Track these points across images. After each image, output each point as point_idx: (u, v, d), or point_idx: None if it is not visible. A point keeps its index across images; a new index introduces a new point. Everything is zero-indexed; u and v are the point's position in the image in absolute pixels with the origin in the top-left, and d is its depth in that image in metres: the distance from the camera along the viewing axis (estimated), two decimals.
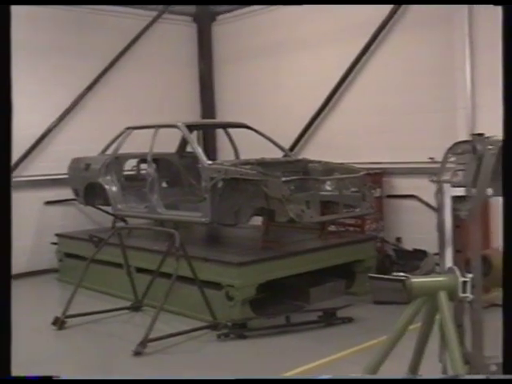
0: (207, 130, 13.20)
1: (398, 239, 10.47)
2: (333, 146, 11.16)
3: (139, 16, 12.82)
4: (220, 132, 11.95)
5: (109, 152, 10.47)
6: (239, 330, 7.40)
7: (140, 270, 9.00)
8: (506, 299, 2.43)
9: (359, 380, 3.46)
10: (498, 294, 8.71)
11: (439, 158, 4.60)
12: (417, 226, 9.92)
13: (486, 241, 8.57)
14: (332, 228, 9.73)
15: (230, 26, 13.44)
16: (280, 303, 8.51)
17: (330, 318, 7.73)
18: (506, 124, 2.39)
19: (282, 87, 12.39)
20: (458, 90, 9.45)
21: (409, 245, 10.14)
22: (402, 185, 10.49)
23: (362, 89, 11.09)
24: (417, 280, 4.06)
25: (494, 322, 7.90)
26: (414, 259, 9.40)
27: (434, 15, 9.88)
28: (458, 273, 4.00)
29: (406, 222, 10.35)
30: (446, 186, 4.17)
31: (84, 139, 11.71)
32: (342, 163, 9.36)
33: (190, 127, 9.79)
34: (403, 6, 10.32)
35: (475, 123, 9.07)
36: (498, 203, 8.75)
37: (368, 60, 10.95)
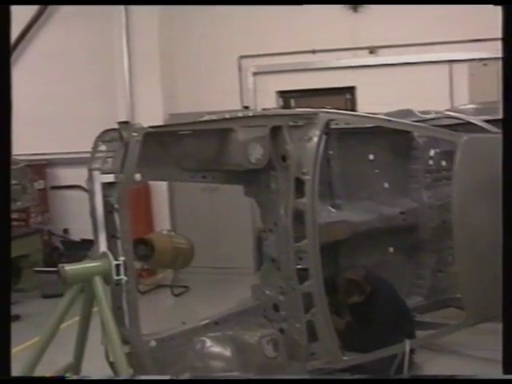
0: None
1: (66, 230, 10.39)
2: None
3: None
4: None
5: None
6: None
7: None
8: (505, 299, 2.49)
9: (359, 380, 3.43)
10: (164, 275, 9.12)
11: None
12: (83, 216, 9.79)
13: (150, 225, 8.94)
14: None
15: None
16: None
17: None
18: (505, 124, 2.48)
19: None
20: (117, 80, 9.67)
21: (77, 235, 10.11)
22: (68, 175, 10.40)
23: (20, 78, 10.66)
24: (71, 267, 4.02)
25: (161, 302, 8.32)
26: (83, 249, 9.34)
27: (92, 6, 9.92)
28: (111, 257, 4.08)
29: (73, 213, 10.24)
30: (96, 174, 4.22)
31: None
32: None
33: None
34: None
35: (134, 111, 9.36)
36: (160, 189, 9.22)
37: (25, 49, 10.60)
